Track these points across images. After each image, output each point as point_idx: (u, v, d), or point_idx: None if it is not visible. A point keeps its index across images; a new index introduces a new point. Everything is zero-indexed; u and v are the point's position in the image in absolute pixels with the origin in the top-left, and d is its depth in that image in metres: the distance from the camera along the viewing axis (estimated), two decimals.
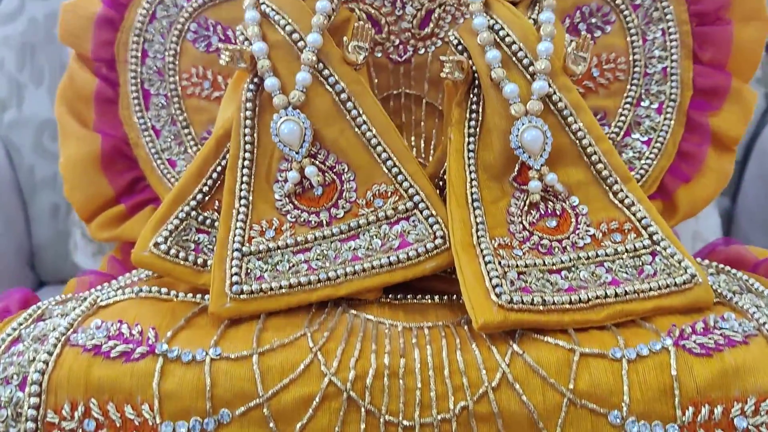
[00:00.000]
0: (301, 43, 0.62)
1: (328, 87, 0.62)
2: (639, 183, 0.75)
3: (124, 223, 0.75)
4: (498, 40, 0.62)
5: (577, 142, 0.62)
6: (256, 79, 0.63)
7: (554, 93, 0.61)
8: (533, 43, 0.61)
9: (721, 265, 0.66)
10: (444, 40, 0.77)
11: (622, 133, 0.74)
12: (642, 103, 0.74)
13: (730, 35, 0.73)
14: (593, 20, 0.74)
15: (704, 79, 0.73)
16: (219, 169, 0.64)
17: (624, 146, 0.76)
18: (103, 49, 0.76)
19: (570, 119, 0.62)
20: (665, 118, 0.74)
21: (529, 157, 0.60)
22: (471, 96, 0.64)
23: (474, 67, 0.63)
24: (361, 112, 0.62)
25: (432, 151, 0.79)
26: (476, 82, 0.64)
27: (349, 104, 0.63)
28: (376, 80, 0.78)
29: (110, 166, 0.74)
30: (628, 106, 0.74)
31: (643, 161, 0.76)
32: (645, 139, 0.74)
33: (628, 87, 0.74)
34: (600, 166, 0.62)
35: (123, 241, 0.75)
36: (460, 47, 0.64)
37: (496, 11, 0.63)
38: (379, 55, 0.75)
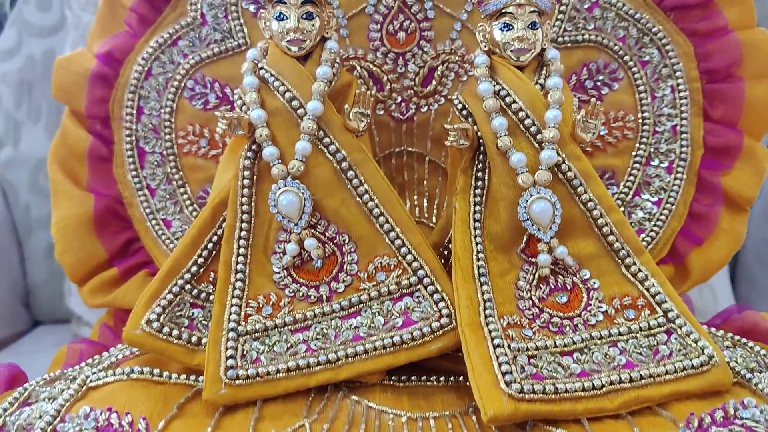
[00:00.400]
0: (301, 111, 0.60)
1: (328, 155, 0.60)
2: (649, 246, 0.72)
3: (116, 288, 0.72)
4: (504, 106, 0.59)
5: (588, 213, 0.60)
6: (254, 146, 0.60)
7: (563, 162, 0.59)
8: (541, 110, 0.59)
9: (737, 337, 0.63)
10: (447, 97, 0.75)
11: (631, 193, 0.73)
12: (651, 162, 0.73)
13: (742, 92, 0.71)
14: (600, 77, 0.72)
15: (715, 137, 0.71)
16: (215, 239, 0.62)
17: (633, 207, 0.74)
18: (98, 106, 0.74)
19: (580, 189, 0.59)
20: (676, 178, 0.72)
21: (538, 229, 0.58)
22: (476, 162, 0.61)
23: (479, 133, 0.60)
24: (362, 180, 0.60)
25: (435, 210, 0.77)
26: (482, 148, 0.61)
27: (351, 173, 0.60)
28: (377, 138, 0.76)
29: (103, 227, 0.72)
30: (637, 165, 0.73)
31: (653, 223, 0.74)
32: (655, 199, 0.72)
33: (637, 145, 0.73)
34: (612, 238, 0.59)
35: (115, 308, 0.72)
36: (464, 112, 0.62)
37: (502, 76, 0.60)
38: (381, 112, 0.73)
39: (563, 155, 0.59)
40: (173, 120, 0.74)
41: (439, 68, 0.72)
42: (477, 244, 0.59)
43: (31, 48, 0.98)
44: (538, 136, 0.59)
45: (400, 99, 0.72)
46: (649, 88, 0.72)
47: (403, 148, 0.73)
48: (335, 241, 0.61)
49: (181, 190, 0.74)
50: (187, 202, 0.74)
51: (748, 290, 0.95)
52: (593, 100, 0.60)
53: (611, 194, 0.73)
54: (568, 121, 0.60)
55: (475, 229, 0.60)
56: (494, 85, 0.60)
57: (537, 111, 0.59)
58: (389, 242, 0.60)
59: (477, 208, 0.60)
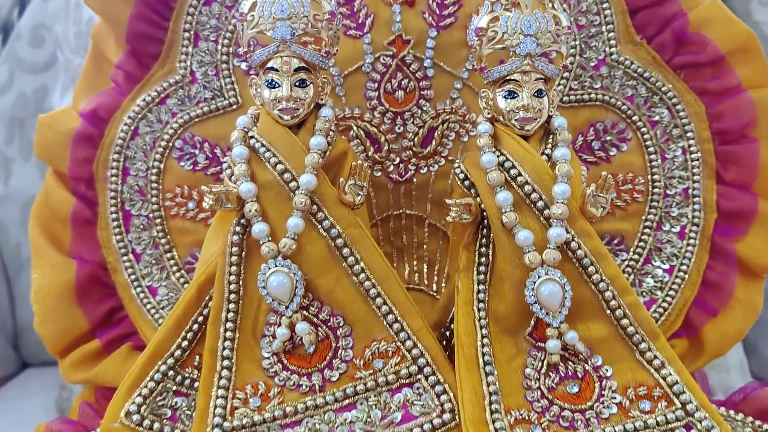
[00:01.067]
0: (293, 184, 0.56)
1: (322, 231, 0.56)
2: (662, 317, 0.69)
3: (98, 362, 0.68)
4: (509, 179, 0.56)
5: (599, 294, 0.56)
6: (243, 221, 0.57)
7: (573, 239, 0.55)
8: (548, 184, 0.55)
9: (758, 423, 0.59)
10: (447, 158, 0.72)
11: (641, 259, 0.69)
12: (663, 227, 0.69)
13: (757, 154, 0.68)
14: (608, 138, 0.70)
15: (729, 200, 0.68)
16: (200, 319, 0.58)
17: (644, 274, 0.70)
18: (81, 167, 0.70)
19: (591, 269, 0.55)
20: (688, 244, 0.69)
21: (547, 314, 0.54)
22: (480, 237, 0.58)
23: (482, 206, 0.57)
24: (358, 258, 0.56)
25: (436, 276, 0.73)
26: (485, 221, 0.58)
27: (346, 250, 0.56)
28: (375, 200, 0.73)
29: (85, 296, 0.68)
30: (647, 230, 0.70)
31: (665, 292, 0.70)
32: (667, 266, 0.69)
33: (647, 209, 0.70)
34: (625, 321, 0.55)
35: (97, 384, 0.68)
36: (467, 182, 0.58)
37: (506, 146, 0.57)
38: (379, 174, 0.70)
39: (572, 232, 0.55)
40: (160, 181, 0.70)
41: (439, 128, 0.69)
42: (481, 327, 0.55)
43: (23, 84, 0.97)
44: (546, 212, 0.55)
45: (398, 160, 0.69)
46: (659, 149, 0.69)
47: (401, 210, 0.70)
48: (329, 324, 0.57)
49: (168, 255, 0.70)
50: (174, 268, 0.70)
51: (759, 364, 0.91)
52: (604, 173, 0.57)
53: (620, 261, 0.70)
54: (577, 195, 0.56)
55: (479, 310, 0.56)
56: (498, 156, 0.57)
57: (544, 184, 0.55)
58: (387, 326, 0.56)
59: (481, 287, 0.57)
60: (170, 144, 0.70)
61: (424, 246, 0.71)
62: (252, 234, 0.56)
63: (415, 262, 0.71)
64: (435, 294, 0.69)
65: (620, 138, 0.69)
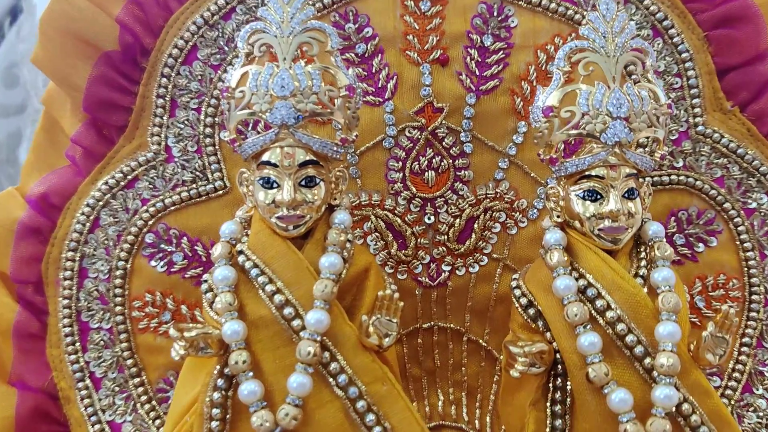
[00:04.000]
0: (296, 323, 0.41)
1: (337, 390, 0.41)
2: None
3: None
4: (594, 313, 0.40)
5: None
6: (227, 370, 0.41)
7: (684, 401, 0.39)
8: (648, 322, 0.41)
9: None
10: (492, 256, 0.57)
11: (740, 387, 0.59)
12: (765, 344, 0.58)
13: None
14: (694, 230, 0.59)
15: None
16: None
17: (744, 407, 0.57)
18: (27, 267, 0.59)
19: None
20: None
21: None
22: (552, 390, 0.42)
23: (556, 346, 0.41)
24: (388, 428, 0.40)
25: (478, 410, 0.58)
26: (559, 368, 0.42)
27: (370, 417, 0.41)
28: None
29: None
30: (746, 348, 0.59)
31: None
32: None
33: (745, 321, 0.58)
34: None
35: None
36: (531, 311, 0.43)
37: (586, 264, 0.42)
38: (404, 276, 0.59)
39: (684, 390, 0.39)
40: (127, 286, 0.59)
41: (480, 218, 0.58)
42: None
43: None
44: (647, 361, 0.40)
45: (428, 258, 0.58)
46: (758, 244, 0.58)
47: (433, 323, 0.59)
48: None
49: (136, 380, 0.59)
50: (143, 398, 0.59)
51: None
52: (725, 306, 0.41)
53: (714, 388, 0.54)
54: (686, 335, 0.40)
55: None
56: (576, 279, 0.41)
57: (643, 322, 0.41)
58: None
59: None
60: (139, 238, 0.59)
61: (463, 369, 0.60)
62: (240, 398, 0.40)
63: (450, 390, 0.60)
64: None
65: (708, 231, 0.58)
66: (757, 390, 0.57)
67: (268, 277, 0.43)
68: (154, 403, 0.59)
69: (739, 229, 0.58)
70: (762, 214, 0.58)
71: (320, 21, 0.56)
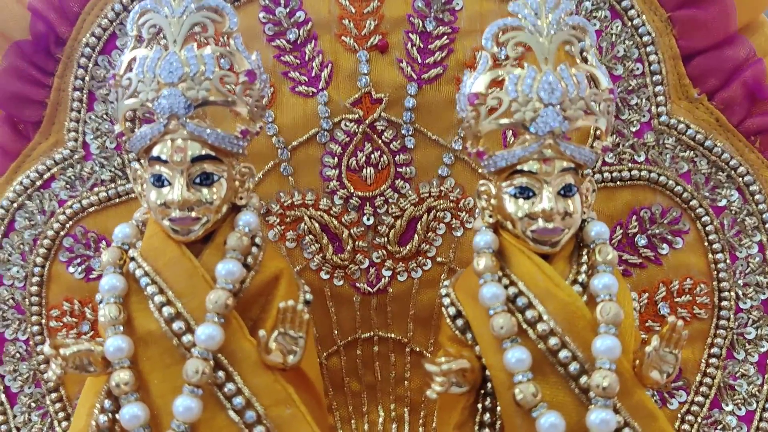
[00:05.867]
0: (188, 338, 0.36)
1: (232, 414, 0.37)
2: None
3: None
4: (524, 324, 0.35)
5: None
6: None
7: (624, 425, 0.35)
8: (585, 335, 0.36)
9: None
10: (436, 260, 0.54)
11: (708, 402, 0.55)
12: (735, 355, 0.54)
13: None
14: (657, 230, 0.54)
15: None
16: None
17: (712, 424, 0.54)
18: None
19: None
20: None
21: None
22: (481, 411, 0.37)
23: (483, 361, 0.36)
24: None
25: (421, 427, 0.53)
26: (488, 385, 0.37)
27: None
28: (335, 318, 0.55)
29: None
30: (714, 359, 0.54)
31: None
32: (743, 412, 0.54)
33: (713, 330, 0.54)
34: None
35: None
36: (460, 322, 0.38)
37: (518, 270, 0.37)
38: (341, 282, 0.55)
39: (625, 413, 0.35)
40: (43, 294, 0.55)
41: (423, 219, 0.54)
42: None
43: None
44: (583, 380, 0.35)
45: (367, 263, 0.54)
46: (728, 245, 0.54)
47: (373, 333, 0.55)
48: None
49: (53, 395, 0.55)
50: (61, 414, 0.56)
51: None
52: (672, 318, 0.36)
53: (678, 404, 0.51)
54: (629, 349, 0.36)
55: None
56: (506, 287, 0.36)
57: (578, 335, 0.37)
58: None
59: None
60: (56, 243, 0.55)
61: (405, 383, 0.56)
62: (122, 424, 0.35)
63: (392, 405, 0.56)
64: None
65: (674, 231, 0.54)
66: (727, 406, 0.53)
67: (159, 286, 0.39)
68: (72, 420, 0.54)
69: (707, 228, 0.54)
70: (732, 212, 0.54)
71: (247, 5, 0.53)
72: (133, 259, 0.40)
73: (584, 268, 0.40)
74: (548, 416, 0.36)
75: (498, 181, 0.41)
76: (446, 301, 0.42)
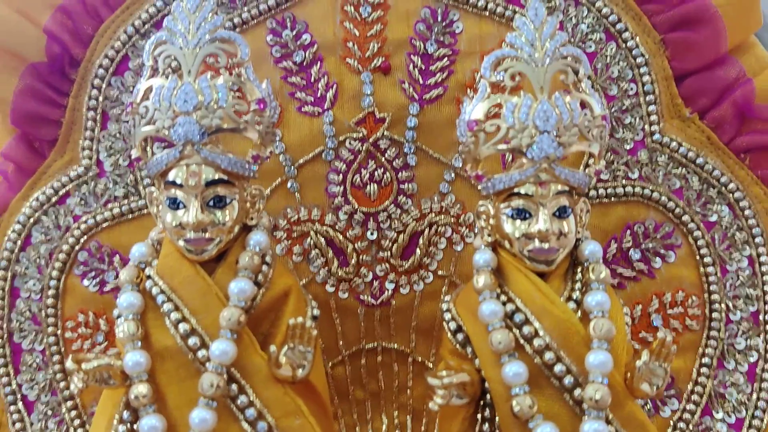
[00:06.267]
0: (202, 353, 0.38)
1: (245, 425, 0.39)
2: None
3: None
4: (521, 340, 0.37)
5: None
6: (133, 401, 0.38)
7: None
8: (579, 349, 0.38)
9: None
10: (437, 273, 0.56)
11: (699, 410, 0.56)
12: (726, 365, 0.55)
13: None
14: (651, 244, 0.56)
15: None
16: None
17: (703, 431, 0.52)
18: None
19: None
20: (761, 388, 0.55)
21: None
22: (480, 422, 0.39)
23: (482, 373, 0.38)
24: None
25: None
26: (488, 397, 0.39)
27: None
28: (340, 329, 0.57)
29: None
30: (705, 369, 0.56)
31: None
32: (732, 420, 0.55)
33: (705, 341, 0.55)
34: None
35: None
36: (460, 336, 0.40)
37: (515, 288, 0.39)
38: (345, 295, 0.56)
39: (617, 424, 0.37)
40: (59, 306, 0.56)
41: (424, 233, 0.55)
42: None
43: None
44: (577, 392, 0.37)
45: (371, 276, 0.55)
46: (719, 259, 0.55)
47: (376, 344, 0.56)
48: None
49: (69, 403, 0.56)
50: (76, 422, 0.57)
51: None
52: (661, 333, 0.38)
53: (670, 412, 0.52)
54: (620, 363, 0.38)
55: None
56: (504, 304, 0.38)
57: (573, 350, 0.38)
58: None
59: None
60: (71, 257, 0.56)
61: (408, 390, 0.57)
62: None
63: (395, 413, 0.57)
64: None
65: (666, 245, 0.55)
66: (717, 414, 0.55)
67: (174, 304, 0.41)
68: (87, 427, 0.56)
69: (698, 243, 0.55)
70: (723, 227, 0.55)
71: (255, 28, 0.55)
72: (149, 277, 0.42)
73: (578, 285, 0.42)
74: (544, 427, 0.38)
75: (496, 203, 0.43)
76: (447, 316, 0.44)
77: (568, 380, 0.39)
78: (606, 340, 0.39)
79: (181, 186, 0.41)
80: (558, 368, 0.39)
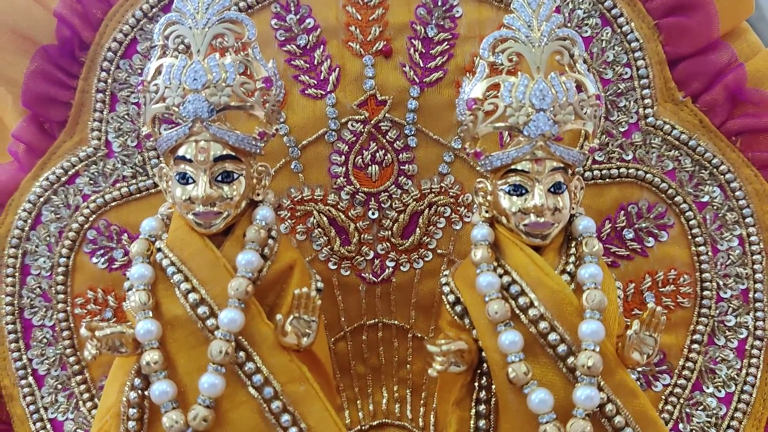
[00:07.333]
0: (211, 322, 0.39)
1: (252, 391, 0.40)
2: None
3: None
4: (516, 310, 0.39)
5: None
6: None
7: (608, 401, 0.38)
8: (572, 319, 0.39)
9: None
10: (436, 251, 0.56)
11: (689, 385, 0.57)
12: (716, 341, 0.56)
13: None
14: (644, 224, 0.57)
15: None
16: None
17: (693, 405, 0.55)
18: None
19: None
20: (750, 365, 0.56)
21: None
22: (477, 389, 0.41)
23: (480, 343, 0.40)
24: (304, 429, 0.39)
25: (422, 408, 0.56)
26: (484, 366, 0.41)
27: (286, 417, 0.40)
28: (342, 306, 0.58)
29: None
30: (696, 345, 0.57)
31: (722, 430, 0.53)
32: (722, 394, 0.56)
33: (696, 318, 0.56)
34: None
35: None
36: (459, 308, 0.41)
37: (512, 261, 0.40)
38: (347, 272, 0.57)
39: (608, 390, 0.38)
40: (69, 283, 0.57)
41: (424, 213, 0.56)
42: None
43: None
44: (570, 360, 0.38)
45: (372, 254, 0.57)
46: (710, 238, 0.56)
47: (377, 319, 0.58)
48: None
49: (78, 377, 0.57)
50: (85, 395, 0.58)
51: None
52: (651, 304, 0.40)
53: (662, 386, 0.53)
54: (612, 333, 0.39)
55: None
56: (501, 276, 0.40)
57: (567, 320, 0.39)
58: None
59: None
60: (81, 235, 0.57)
61: (408, 365, 0.58)
62: (152, 399, 0.39)
63: (395, 387, 0.59)
64: None
65: (659, 225, 0.56)
66: (708, 388, 0.56)
67: (184, 275, 0.42)
68: (96, 400, 0.58)
69: (690, 223, 0.56)
70: (714, 207, 0.56)
71: (260, 12, 0.56)
72: (159, 249, 0.44)
73: (572, 259, 0.44)
74: (538, 393, 0.40)
75: (494, 179, 0.44)
76: (446, 289, 0.45)
77: (561, 348, 0.41)
78: (598, 310, 0.41)
79: (190, 161, 0.42)
80: (552, 337, 0.41)
